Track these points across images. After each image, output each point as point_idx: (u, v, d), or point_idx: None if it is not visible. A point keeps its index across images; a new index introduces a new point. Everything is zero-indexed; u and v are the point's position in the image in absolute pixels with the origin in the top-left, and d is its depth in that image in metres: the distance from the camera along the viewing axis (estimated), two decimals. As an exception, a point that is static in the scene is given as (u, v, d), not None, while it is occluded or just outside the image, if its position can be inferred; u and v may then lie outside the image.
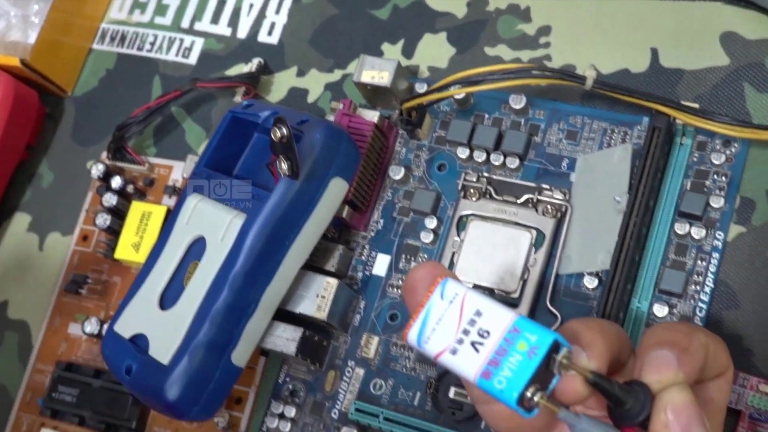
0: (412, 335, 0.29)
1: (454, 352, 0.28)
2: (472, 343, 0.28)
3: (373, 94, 0.46)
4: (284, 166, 0.39)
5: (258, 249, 0.39)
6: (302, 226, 0.40)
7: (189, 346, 0.38)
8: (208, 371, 0.39)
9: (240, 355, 0.40)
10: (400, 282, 0.44)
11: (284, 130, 0.38)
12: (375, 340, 0.44)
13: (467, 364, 0.27)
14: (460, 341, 0.28)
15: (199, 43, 0.53)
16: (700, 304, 0.40)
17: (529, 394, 0.27)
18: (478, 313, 0.28)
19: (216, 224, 0.40)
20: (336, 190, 0.41)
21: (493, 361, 0.27)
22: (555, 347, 0.27)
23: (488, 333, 0.27)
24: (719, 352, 0.31)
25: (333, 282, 0.42)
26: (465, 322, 0.28)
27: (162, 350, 0.39)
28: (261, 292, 0.40)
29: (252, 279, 0.39)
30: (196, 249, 0.41)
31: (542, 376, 0.27)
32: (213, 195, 0.42)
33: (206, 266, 0.40)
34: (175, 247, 0.41)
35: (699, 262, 0.40)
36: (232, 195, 0.41)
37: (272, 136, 0.38)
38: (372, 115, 0.45)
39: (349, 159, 0.41)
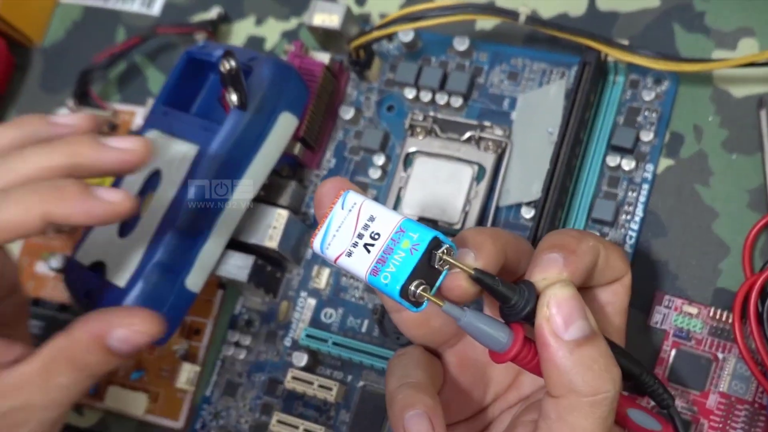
0: (316, 243, 0.31)
1: (349, 254, 0.30)
2: (365, 245, 0.30)
3: (326, 39, 0.48)
4: (234, 97, 0.41)
5: (210, 175, 0.41)
6: (252, 158, 0.42)
7: (144, 270, 0.40)
8: (163, 294, 0.41)
9: (194, 281, 0.42)
10: (351, 217, 0.46)
11: (232, 63, 0.40)
12: (326, 272, 0.46)
13: (359, 264, 0.30)
14: (355, 244, 0.30)
15: (162, -6, 0.55)
16: (630, 233, 0.42)
17: (412, 287, 0.29)
18: (372, 219, 0.31)
19: (171, 156, 0.42)
20: (285, 124, 0.43)
21: (381, 259, 0.30)
22: (436, 244, 0.30)
23: (378, 235, 0.30)
24: (614, 257, 0.33)
25: (284, 213, 0.44)
26: (360, 227, 0.30)
27: (119, 275, 0.41)
28: (213, 220, 0.42)
29: (205, 205, 0.41)
30: (153, 181, 0.43)
31: (428, 273, 0.30)
32: (169, 130, 0.44)
33: (161, 195, 0.42)
34: (133, 180, 0.43)
35: (629, 193, 0.43)
36: (187, 129, 0.43)
37: (221, 68, 0.40)
38: (323, 57, 0.47)
39: (298, 94, 0.43)
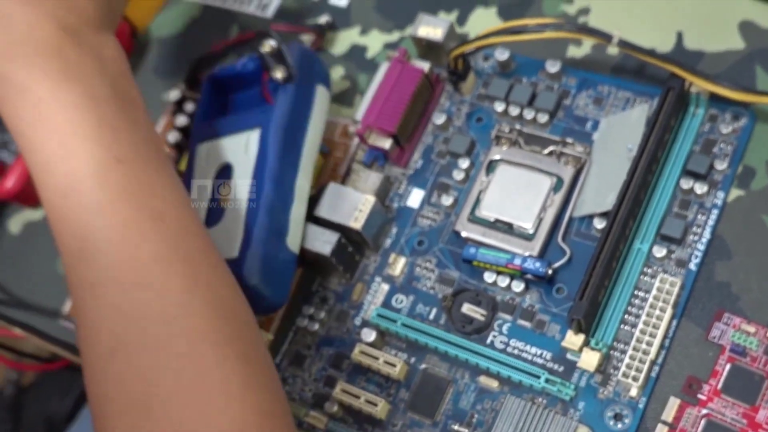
0: None
1: None
2: None
3: (427, 50, 0.52)
4: (279, 74, 0.45)
5: (280, 143, 0.46)
6: (307, 127, 0.47)
7: (251, 235, 0.44)
8: (274, 254, 0.44)
9: (293, 241, 0.46)
10: (431, 214, 0.50)
11: (272, 42, 0.44)
12: (402, 260, 0.49)
13: None
14: None
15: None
16: (696, 252, 0.44)
17: None
18: None
19: (235, 145, 0.47)
20: (323, 95, 0.49)
21: None
22: None
23: None
24: None
25: (371, 199, 0.48)
26: None
27: (227, 249, 0.44)
28: (293, 182, 0.46)
29: (283, 171, 0.45)
30: (225, 173, 0.47)
31: None
32: (222, 133, 0.49)
33: (241, 175, 0.46)
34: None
35: (699, 216, 0.45)
36: (240, 122, 0.48)
37: (263, 50, 0.44)
38: (423, 65, 0.51)
39: (323, 70, 0.49)
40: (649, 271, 0.44)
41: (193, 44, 0.61)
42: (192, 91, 0.57)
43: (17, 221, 0.60)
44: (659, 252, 0.44)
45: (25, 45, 0.39)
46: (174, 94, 0.57)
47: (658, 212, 0.45)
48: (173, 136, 0.55)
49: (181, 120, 0.55)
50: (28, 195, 0.58)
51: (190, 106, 0.56)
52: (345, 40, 0.57)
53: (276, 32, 0.48)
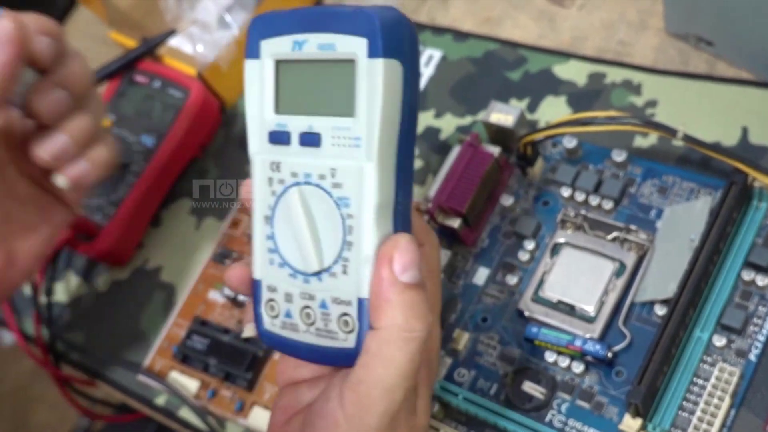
0: None
1: None
2: None
3: (497, 135, 0.55)
4: None
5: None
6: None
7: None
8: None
9: None
10: (495, 292, 0.51)
11: None
12: (465, 336, 0.51)
13: None
14: None
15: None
16: (756, 344, 0.45)
17: None
18: None
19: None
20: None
21: None
22: None
23: None
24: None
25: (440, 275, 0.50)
26: None
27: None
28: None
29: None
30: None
31: None
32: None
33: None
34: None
35: (760, 307, 0.46)
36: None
37: None
38: (494, 149, 0.53)
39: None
40: (709, 359, 0.45)
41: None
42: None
43: (105, 279, 0.64)
44: (719, 341, 0.45)
45: None
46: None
47: (719, 302, 0.46)
48: (254, 206, 0.58)
49: (263, 191, 0.59)
50: (116, 256, 0.62)
51: (271, 179, 0.59)
52: (420, 121, 0.60)
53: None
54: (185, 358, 0.56)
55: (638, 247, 0.49)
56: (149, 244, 0.64)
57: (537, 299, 0.50)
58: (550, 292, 0.49)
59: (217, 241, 0.61)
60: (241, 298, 0.56)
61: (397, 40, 0.36)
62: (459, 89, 0.60)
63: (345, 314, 0.37)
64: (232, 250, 0.60)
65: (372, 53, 0.35)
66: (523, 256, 0.52)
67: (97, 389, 0.63)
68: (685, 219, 0.49)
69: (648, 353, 0.44)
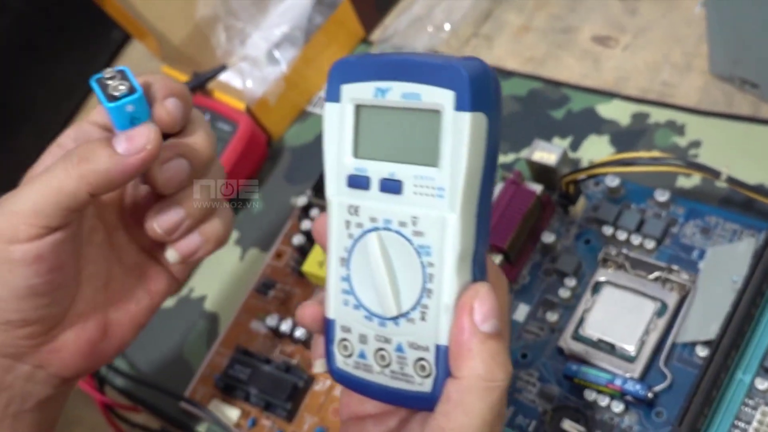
0: None
1: None
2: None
3: (539, 173, 0.55)
4: None
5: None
6: None
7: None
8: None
9: None
10: (535, 329, 0.52)
11: None
12: (505, 372, 0.51)
13: None
14: None
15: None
16: (800, 388, 0.45)
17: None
18: None
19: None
20: None
21: None
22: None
23: None
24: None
25: (479, 311, 0.50)
26: None
27: None
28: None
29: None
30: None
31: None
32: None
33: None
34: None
35: (804, 351, 0.46)
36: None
37: None
38: (536, 187, 0.54)
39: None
40: (751, 402, 0.45)
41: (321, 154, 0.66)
42: (318, 198, 0.62)
43: (150, 306, 0.65)
44: (761, 384, 0.45)
45: None
46: (302, 200, 0.61)
47: (761, 344, 0.46)
48: (298, 239, 0.59)
49: (306, 224, 0.60)
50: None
51: (315, 212, 0.60)
52: (463, 158, 0.61)
53: None
54: (227, 387, 0.57)
55: (680, 288, 0.49)
56: (195, 273, 0.65)
57: (577, 337, 0.50)
58: (591, 331, 0.49)
59: (260, 272, 0.62)
60: (283, 328, 0.57)
61: (483, 93, 0.36)
62: (503, 127, 0.61)
63: (422, 359, 0.38)
64: (276, 281, 0.61)
65: (459, 106, 0.36)
66: (564, 294, 0.52)
67: (138, 414, 0.64)
68: (727, 260, 0.49)
69: (689, 394, 0.44)
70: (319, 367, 0.41)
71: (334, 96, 0.39)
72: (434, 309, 0.37)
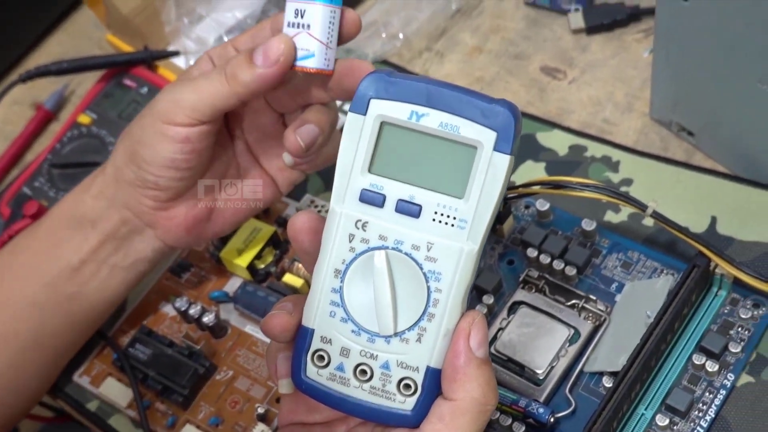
0: None
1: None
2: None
3: (472, 189, 0.55)
4: None
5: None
6: None
7: None
8: None
9: None
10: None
11: None
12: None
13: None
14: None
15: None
16: (699, 428, 0.45)
17: None
18: None
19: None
20: None
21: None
22: None
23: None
24: None
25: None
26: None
27: None
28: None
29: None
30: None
31: None
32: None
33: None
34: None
35: (707, 393, 0.46)
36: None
37: None
38: (466, 201, 0.53)
39: None
40: (650, 437, 0.45)
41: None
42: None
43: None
44: (662, 421, 0.45)
45: None
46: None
47: (667, 382, 0.46)
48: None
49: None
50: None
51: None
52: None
53: None
54: (123, 367, 0.55)
55: (595, 317, 0.49)
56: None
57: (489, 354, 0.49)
58: (503, 349, 0.49)
59: (176, 253, 0.60)
60: (191, 312, 0.55)
61: (517, 138, 0.37)
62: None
63: (408, 378, 0.38)
64: (192, 264, 0.59)
65: (499, 147, 0.37)
66: (481, 310, 0.51)
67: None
68: (644, 295, 0.49)
69: (588, 423, 0.44)
70: (285, 387, 0.41)
71: (360, 108, 0.38)
72: (433, 332, 0.38)
